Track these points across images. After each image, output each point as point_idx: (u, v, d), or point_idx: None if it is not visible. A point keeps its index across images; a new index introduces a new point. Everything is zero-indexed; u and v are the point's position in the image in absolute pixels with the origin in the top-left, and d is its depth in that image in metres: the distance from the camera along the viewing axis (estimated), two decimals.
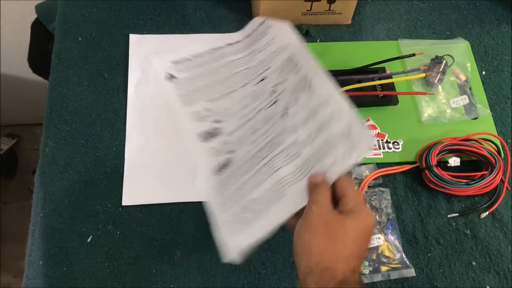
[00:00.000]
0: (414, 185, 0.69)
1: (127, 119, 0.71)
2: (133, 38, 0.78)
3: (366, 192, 0.67)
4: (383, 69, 0.74)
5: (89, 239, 0.63)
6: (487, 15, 0.84)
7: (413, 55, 0.72)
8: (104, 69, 0.75)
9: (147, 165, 0.68)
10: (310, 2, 0.77)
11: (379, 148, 0.71)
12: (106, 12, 0.80)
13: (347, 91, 0.71)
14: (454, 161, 0.69)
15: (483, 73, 0.79)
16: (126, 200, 0.65)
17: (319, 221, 0.46)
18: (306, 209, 0.48)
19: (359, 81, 0.73)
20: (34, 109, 1.30)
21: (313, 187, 0.50)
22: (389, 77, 0.73)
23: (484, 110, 0.74)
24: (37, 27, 0.92)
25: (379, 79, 0.73)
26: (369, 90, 0.72)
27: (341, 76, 0.73)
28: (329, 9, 0.78)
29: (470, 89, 0.76)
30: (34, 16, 0.90)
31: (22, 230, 0.69)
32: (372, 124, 0.73)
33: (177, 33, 0.79)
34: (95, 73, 0.75)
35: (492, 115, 0.74)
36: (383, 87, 0.73)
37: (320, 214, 0.46)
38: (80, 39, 0.77)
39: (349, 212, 0.47)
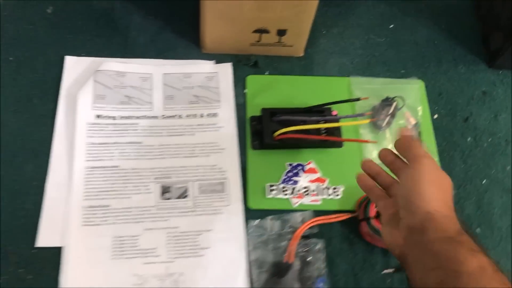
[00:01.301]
0: (351, 236, 0.66)
1: (52, 150, 0.67)
2: (69, 60, 0.73)
3: (299, 243, 0.63)
4: (329, 110, 0.71)
5: None
6: (444, 54, 0.81)
7: (358, 99, 0.68)
8: (34, 93, 0.70)
9: (68, 202, 0.63)
10: (259, 34, 0.73)
11: (318, 195, 0.68)
12: (44, 31, 0.75)
13: (288, 132, 0.67)
14: None
15: (435, 116, 0.76)
16: (41, 241, 0.61)
17: (431, 173, 0.48)
18: (413, 164, 0.49)
19: (304, 122, 0.69)
20: None
21: (408, 145, 0.51)
22: (336, 120, 0.70)
23: None
24: None
25: (325, 121, 0.69)
26: (313, 133, 0.69)
27: (286, 116, 0.69)
28: (279, 41, 0.74)
29: (420, 134, 0.73)
30: None
31: None
32: (313, 167, 0.69)
33: (117, 57, 0.74)
34: (24, 97, 0.70)
35: (440, 164, 0.72)
36: (328, 130, 0.69)
37: (432, 166, 0.48)
38: (11, 58, 0.72)
39: None
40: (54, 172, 0.65)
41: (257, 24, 0.71)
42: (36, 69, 0.72)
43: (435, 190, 0.46)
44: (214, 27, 0.71)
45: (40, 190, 0.64)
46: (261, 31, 0.72)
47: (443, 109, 0.76)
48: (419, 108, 0.74)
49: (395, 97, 0.74)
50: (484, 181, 0.71)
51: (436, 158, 0.72)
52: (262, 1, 0.66)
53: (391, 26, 0.83)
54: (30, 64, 0.72)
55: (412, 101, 0.75)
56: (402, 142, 0.52)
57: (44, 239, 0.61)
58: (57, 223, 0.62)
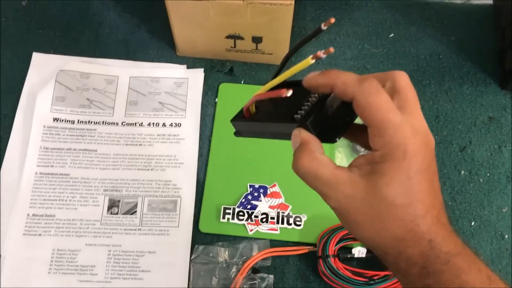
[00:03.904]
0: (307, 273, 0.60)
1: (6, 152, 0.64)
2: (36, 57, 0.70)
3: (245, 277, 0.58)
4: None
5: None
6: (449, 70, 0.71)
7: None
8: None
9: (13, 208, 0.61)
10: (233, 40, 0.67)
11: (277, 223, 0.62)
12: (15, 24, 0.73)
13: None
14: (359, 251, 0.59)
15: None
16: None
17: (355, 211, 0.31)
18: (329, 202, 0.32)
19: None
20: None
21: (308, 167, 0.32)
22: None
23: None
24: None
25: None
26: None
27: None
28: (256, 48, 0.68)
29: None
30: None
31: None
32: (278, 191, 0.63)
33: (86, 56, 0.70)
34: None
35: None
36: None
37: (348, 203, 0.31)
38: None
39: (384, 159, 0.30)
40: (4, 175, 0.63)
41: (228, 29, 0.64)
42: (2, 65, 0.70)
43: (370, 229, 0.31)
44: (183, 30, 0.66)
45: None
46: (234, 37, 0.66)
47: (437, 135, 0.67)
48: None
49: None
50: (473, 223, 0.63)
51: None
52: (227, 6, 0.60)
53: (391, 35, 0.74)
54: None
55: None
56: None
57: None
58: (1, 229, 0.60)
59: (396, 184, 0.29)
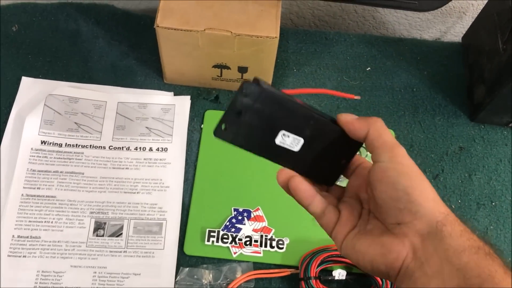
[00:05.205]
0: None
1: None
2: (25, 81, 0.72)
3: None
4: None
5: None
6: (422, 102, 0.76)
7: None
8: None
9: None
10: (220, 69, 0.70)
11: (260, 246, 0.63)
12: (5, 49, 0.74)
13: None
14: (339, 273, 0.61)
15: None
16: None
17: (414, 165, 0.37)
18: (389, 154, 0.37)
19: None
20: None
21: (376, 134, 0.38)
22: None
23: None
24: None
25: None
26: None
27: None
28: (242, 78, 0.71)
29: None
30: None
31: None
32: (261, 215, 0.65)
33: (74, 81, 0.72)
34: None
35: None
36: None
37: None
38: None
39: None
40: None
41: (215, 59, 0.68)
42: None
43: (429, 186, 0.36)
44: (171, 59, 0.69)
45: None
46: (221, 66, 0.69)
47: None
48: None
49: None
50: None
51: None
52: (216, 37, 0.63)
53: (368, 68, 0.78)
54: None
55: None
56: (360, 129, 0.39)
57: None
58: None
59: None
